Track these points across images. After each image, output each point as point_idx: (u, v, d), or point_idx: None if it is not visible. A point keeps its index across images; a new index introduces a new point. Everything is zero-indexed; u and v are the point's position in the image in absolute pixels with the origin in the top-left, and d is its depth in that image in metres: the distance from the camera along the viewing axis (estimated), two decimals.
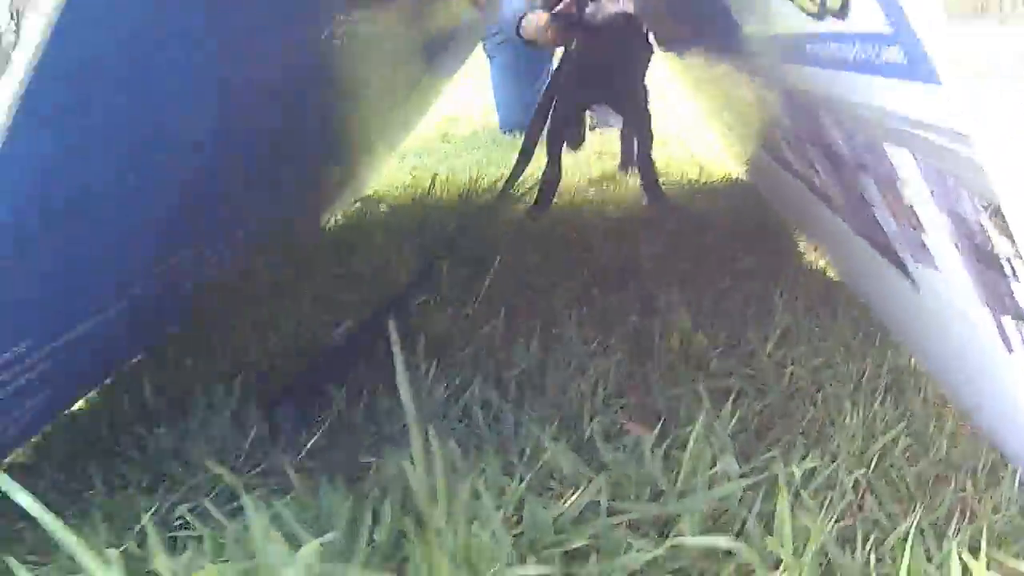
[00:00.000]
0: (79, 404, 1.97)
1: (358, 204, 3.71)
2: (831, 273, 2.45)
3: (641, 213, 3.33)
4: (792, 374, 1.78)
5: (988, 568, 1.09)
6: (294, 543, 1.08)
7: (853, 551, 1.17)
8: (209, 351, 2.11)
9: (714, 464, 1.33)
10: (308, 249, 2.85)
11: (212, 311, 2.32)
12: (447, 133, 5.66)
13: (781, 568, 1.12)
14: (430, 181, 3.87)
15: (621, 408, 1.67)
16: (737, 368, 1.84)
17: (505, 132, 5.59)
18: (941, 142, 0.85)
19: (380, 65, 2.62)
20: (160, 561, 1.11)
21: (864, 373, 1.74)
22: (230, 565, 1.07)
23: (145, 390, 1.87)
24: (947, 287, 1.20)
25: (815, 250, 2.67)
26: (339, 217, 3.47)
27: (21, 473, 1.71)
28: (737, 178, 3.82)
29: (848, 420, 1.53)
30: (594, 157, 4.61)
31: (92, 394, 2.02)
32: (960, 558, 1.09)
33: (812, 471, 1.34)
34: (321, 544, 1.04)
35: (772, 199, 3.12)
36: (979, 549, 1.14)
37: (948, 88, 0.78)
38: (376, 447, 1.57)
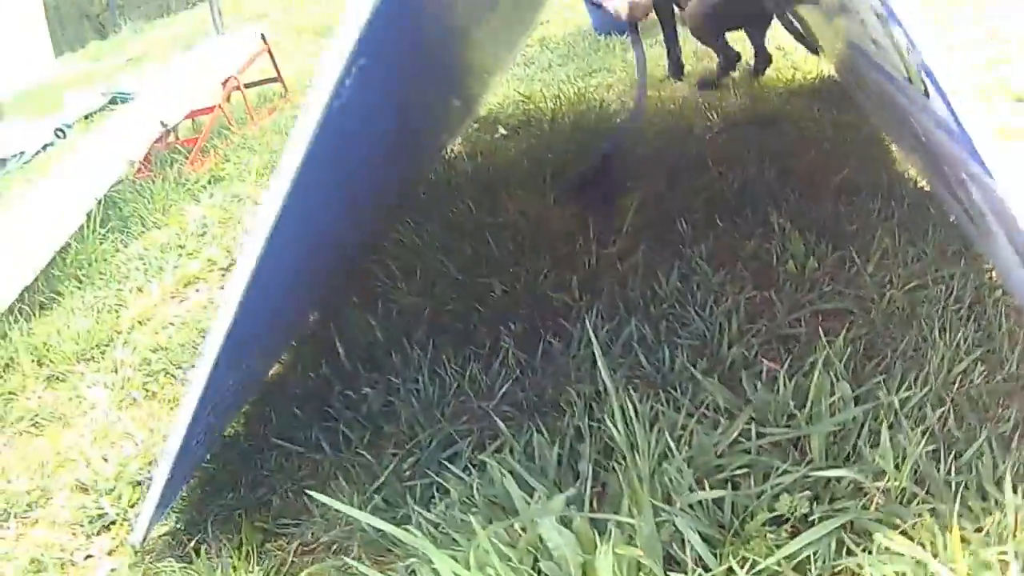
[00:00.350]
0: (274, 369, 2.42)
1: (476, 127, 4.10)
2: (922, 183, 2.79)
3: (743, 124, 3.67)
4: (891, 297, 2.16)
5: None
6: (525, 488, 1.52)
7: (938, 463, 1.58)
8: (384, 309, 2.54)
9: (833, 390, 1.74)
10: (444, 198, 3.25)
11: (372, 271, 2.75)
12: (544, 38, 5.92)
13: (885, 479, 1.54)
14: (549, 113, 4.21)
15: (754, 335, 2.07)
16: (845, 289, 2.23)
17: (601, 34, 5.80)
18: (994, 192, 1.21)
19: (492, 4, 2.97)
20: (420, 516, 1.55)
21: (952, 293, 2.11)
22: (497, 524, 1.48)
23: (339, 353, 2.32)
24: (998, 245, 1.56)
25: (905, 157, 3.00)
26: (461, 146, 3.87)
27: (248, 444, 2.19)
28: (829, 77, 4.12)
29: (938, 342, 1.93)
30: (692, 57, 4.92)
31: (284, 357, 2.47)
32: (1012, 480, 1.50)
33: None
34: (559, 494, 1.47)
35: (860, 102, 3.43)
36: None
37: (1000, 184, 1.15)
38: (556, 385, 1.99)
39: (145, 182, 4.36)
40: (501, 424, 1.79)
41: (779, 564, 1.38)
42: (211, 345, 1.59)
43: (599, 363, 1.69)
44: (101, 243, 3.84)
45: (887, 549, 1.39)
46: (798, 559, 1.40)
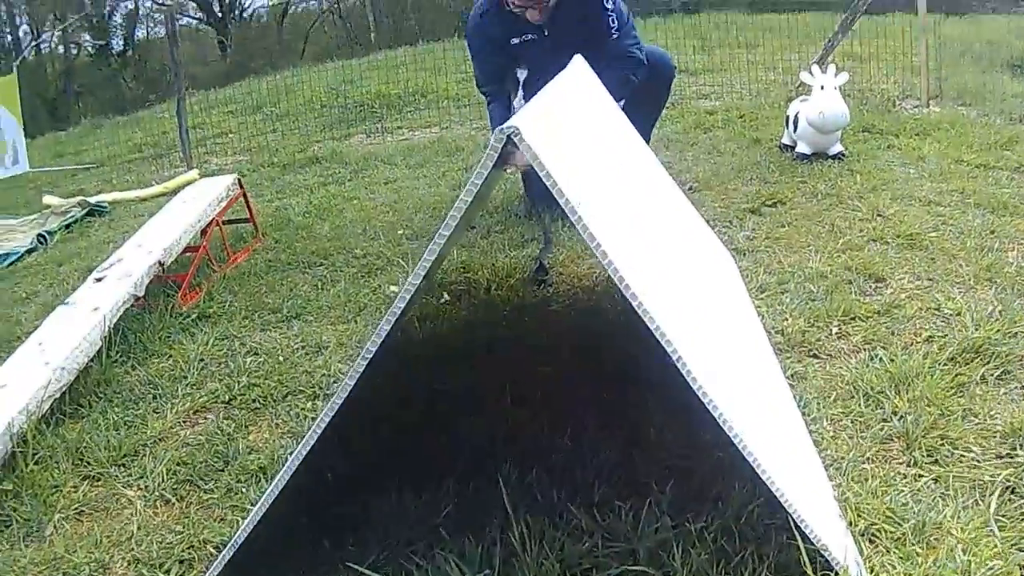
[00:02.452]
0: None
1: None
2: None
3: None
4: (720, 457, 3.20)
5: None
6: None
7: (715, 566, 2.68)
8: (365, 453, 3.57)
9: (658, 521, 2.88)
10: (403, 362, 4.29)
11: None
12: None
13: None
14: (485, 282, 5.31)
15: (616, 481, 3.18)
16: (690, 452, 3.29)
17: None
18: None
19: None
20: None
21: None
22: None
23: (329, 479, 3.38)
24: None
25: None
26: (415, 310, 4.91)
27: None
28: None
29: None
30: None
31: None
32: None
33: None
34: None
35: None
36: None
37: None
38: (482, 510, 3.04)
39: (143, 313, 5.26)
40: (444, 532, 2.92)
41: None
42: (283, 474, 2.67)
43: (504, 498, 2.85)
44: (114, 366, 4.70)
45: None
46: None
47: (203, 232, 6.28)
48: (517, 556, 2.77)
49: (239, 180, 6.89)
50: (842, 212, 6.00)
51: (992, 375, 3.78)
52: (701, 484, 3.11)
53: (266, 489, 2.77)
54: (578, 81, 4.22)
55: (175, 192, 8.38)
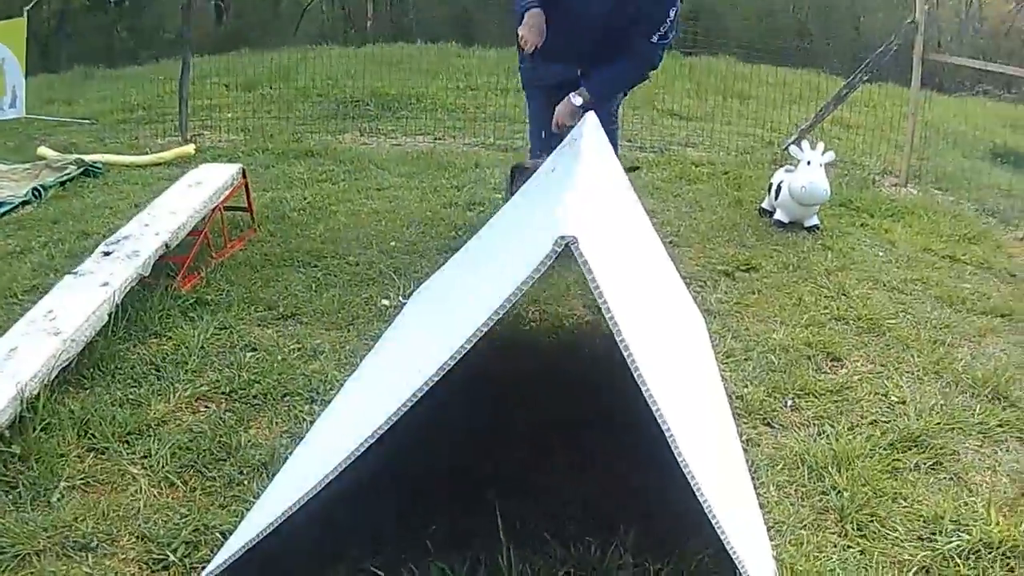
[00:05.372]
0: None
1: None
2: None
3: None
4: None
5: None
6: None
7: None
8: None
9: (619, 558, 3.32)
10: None
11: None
12: None
13: None
14: None
15: (586, 518, 3.60)
16: (651, 498, 3.71)
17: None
18: None
19: None
20: None
21: None
22: None
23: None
24: None
25: None
26: None
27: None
28: None
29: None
30: None
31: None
32: None
33: None
34: None
35: None
36: None
37: None
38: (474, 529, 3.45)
39: (144, 291, 5.48)
40: (430, 545, 3.31)
41: None
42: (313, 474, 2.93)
43: (499, 524, 3.24)
44: (117, 342, 4.91)
45: None
46: None
47: (204, 217, 6.54)
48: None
49: (243, 170, 7.22)
50: (810, 287, 6.46)
51: (925, 464, 4.27)
52: (660, 529, 3.51)
53: (285, 495, 3.05)
54: (596, 146, 4.65)
55: (169, 163, 9.19)
